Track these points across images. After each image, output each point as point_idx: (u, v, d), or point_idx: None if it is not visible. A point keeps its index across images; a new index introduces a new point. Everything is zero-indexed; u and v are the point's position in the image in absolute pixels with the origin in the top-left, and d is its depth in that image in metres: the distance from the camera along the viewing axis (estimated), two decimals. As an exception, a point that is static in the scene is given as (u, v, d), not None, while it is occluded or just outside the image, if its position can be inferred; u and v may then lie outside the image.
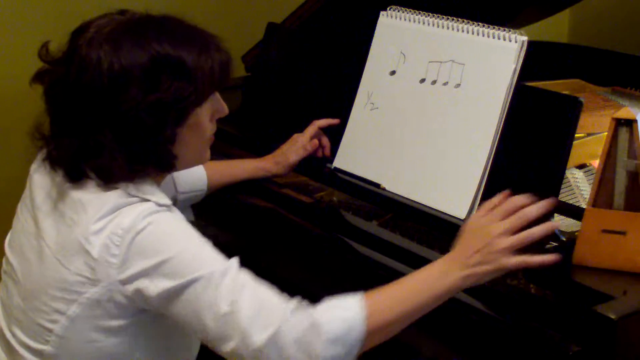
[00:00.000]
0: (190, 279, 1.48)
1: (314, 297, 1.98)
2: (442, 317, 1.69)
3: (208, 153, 1.69)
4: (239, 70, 2.73)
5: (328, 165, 2.15)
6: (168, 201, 1.58)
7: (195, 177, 2.05)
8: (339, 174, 2.12)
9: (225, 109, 1.66)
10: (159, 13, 1.61)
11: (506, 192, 1.58)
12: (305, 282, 2.00)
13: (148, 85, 1.51)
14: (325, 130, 2.19)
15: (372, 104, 2.10)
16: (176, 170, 1.65)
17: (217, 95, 1.64)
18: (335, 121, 2.16)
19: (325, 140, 2.18)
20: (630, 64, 2.66)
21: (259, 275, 2.12)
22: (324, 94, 2.26)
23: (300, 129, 2.24)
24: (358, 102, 2.13)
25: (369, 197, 2.03)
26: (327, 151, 2.17)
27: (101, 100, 1.52)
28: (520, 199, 1.56)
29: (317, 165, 2.17)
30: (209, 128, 1.64)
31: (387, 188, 2.01)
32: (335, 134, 2.16)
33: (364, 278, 1.86)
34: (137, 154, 1.55)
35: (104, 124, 1.53)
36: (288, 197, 2.10)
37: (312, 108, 2.27)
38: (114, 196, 1.54)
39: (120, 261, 1.50)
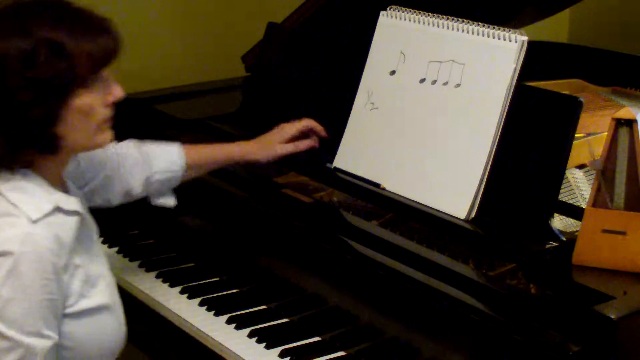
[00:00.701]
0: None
1: (313, 297, 1.98)
2: (442, 317, 1.69)
3: (105, 137, 1.69)
4: (239, 70, 2.73)
5: (328, 165, 2.15)
6: (48, 207, 1.60)
7: (171, 155, 2.05)
8: (339, 174, 2.12)
9: (118, 93, 1.68)
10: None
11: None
12: (305, 283, 2.00)
13: (26, 65, 1.55)
14: (325, 129, 2.18)
15: (372, 103, 2.10)
16: (68, 154, 1.67)
17: (110, 78, 1.67)
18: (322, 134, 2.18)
19: (315, 140, 2.18)
20: (630, 64, 2.66)
21: (259, 275, 2.12)
22: (324, 93, 2.26)
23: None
24: (358, 102, 2.13)
25: (369, 197, 2.03)
26: (316, 144, 2.17)
27: None
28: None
29: (317, 165, 2.17)
30: (100, 111, 1.65)
31: (387, 188, 2.01)
32: (335, 134, 2.15)
33: (364, 278, 1.86)
34: (17, 135, 1.58)
35: None
36: (288, 197, 2.09)
37: (312, 108, 2.27)
38: None
39: None
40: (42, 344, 1.57)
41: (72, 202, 1.65)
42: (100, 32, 1.63)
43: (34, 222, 1.57)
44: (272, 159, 2.15)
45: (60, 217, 1.61)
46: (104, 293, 1.71)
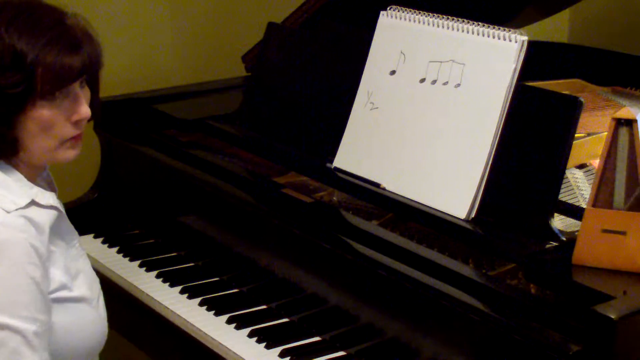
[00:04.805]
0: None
1: (313, 297, 1.98)
2: (442, 317, 1.70)
3: (68, 154, 1.68)
4: (239, 70, 2.73)
5: (328, 165, 2.15)
6: (25, 201, 1.61)
7: None
8: (339, 174, 2.12)
9: (82, 113, 1.65)
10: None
11: None
12: (305, 283, 2.00)
13: None
14: (325, 129, 2.18)
15: (372, 103, 2.10)
16: (36, 161, 1.67)
17: (79, 97, 1.65)
18: None
19: None
20: (630, 64, 2.66)
21: (259, 275, 2.12)
22: (324, 93, 2.26)
23: (300, 128, 2.24)
24: (358, 102, 2.12)
25: (369, 197, 2.03)
26: None
27: None
28: None
29: (317, 165, 2.17)
30: (64, 128, 1.64)
31: (387, 188, 2.01)
32: (335, 134, 2.15)
33: (364, 278, 1.86)
34: None
35: None
36: (288, 197, 2.10)
37: (312, 108, 2.27)
38: None
39: None
40: (34, 328, 1.59)
41: (48, 197, 1.67)
42: (70, 50, 1.61)
43: (8, 213, 1.59)
44: None
45: (35, 210, 1.63)
46: (83, 286, 1.74)
